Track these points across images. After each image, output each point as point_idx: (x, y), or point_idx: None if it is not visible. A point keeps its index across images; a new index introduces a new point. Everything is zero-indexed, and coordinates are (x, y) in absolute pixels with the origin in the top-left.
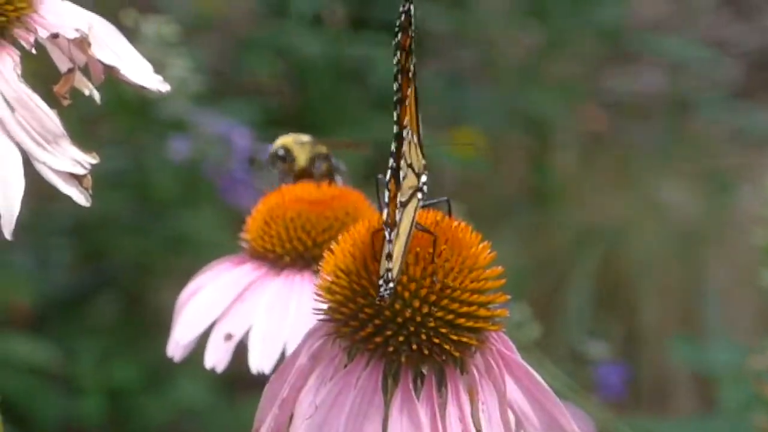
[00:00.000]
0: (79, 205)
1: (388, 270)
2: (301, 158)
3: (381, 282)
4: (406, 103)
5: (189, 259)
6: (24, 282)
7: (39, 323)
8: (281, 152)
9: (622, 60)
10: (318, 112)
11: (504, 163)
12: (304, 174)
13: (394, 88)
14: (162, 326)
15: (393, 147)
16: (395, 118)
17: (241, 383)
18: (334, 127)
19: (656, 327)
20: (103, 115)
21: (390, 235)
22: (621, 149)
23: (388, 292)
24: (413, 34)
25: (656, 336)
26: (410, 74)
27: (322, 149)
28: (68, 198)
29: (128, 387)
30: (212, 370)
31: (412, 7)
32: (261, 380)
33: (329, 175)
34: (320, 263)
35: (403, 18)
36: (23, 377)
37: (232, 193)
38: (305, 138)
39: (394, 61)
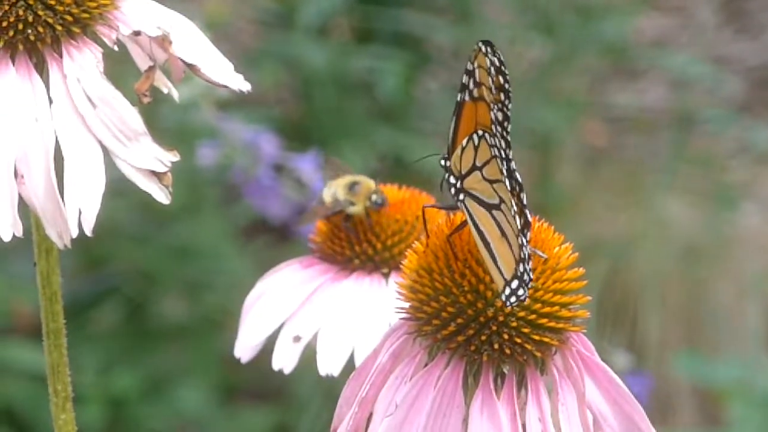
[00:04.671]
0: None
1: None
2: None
3: (516, 285)
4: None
5: (191, 269)
6: (25, 289)
7: (41, 331)
8: (381, 198)
9: (626, 75)
10: (322, 123)
11: None
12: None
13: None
14: (164, 335)
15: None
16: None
17: (240, 394)
18: (337, 137)
19: (658, 341)
20: None
21: (526, 239)
22: (625, 164)
23: (523, 297)
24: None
25: (658, 350)
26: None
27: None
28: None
29: (129, 396)
30: (222, 379)
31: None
32: (261, 392)
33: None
34: (390, 266)
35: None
36: (25, 384)
37: (259, 199)
38: (348, 177)
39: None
